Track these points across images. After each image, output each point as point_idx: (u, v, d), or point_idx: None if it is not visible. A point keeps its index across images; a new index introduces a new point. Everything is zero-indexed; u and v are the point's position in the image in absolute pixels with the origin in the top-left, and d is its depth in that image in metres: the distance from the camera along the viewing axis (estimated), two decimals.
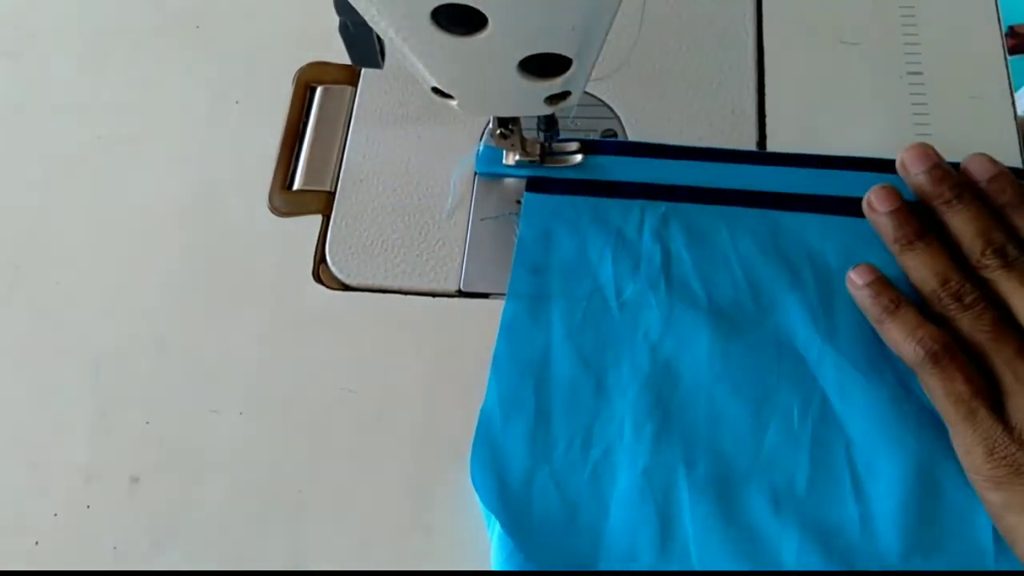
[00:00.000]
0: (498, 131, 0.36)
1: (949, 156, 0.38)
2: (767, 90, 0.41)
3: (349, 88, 0.44)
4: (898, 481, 0.32)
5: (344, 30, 0.31)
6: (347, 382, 0.37)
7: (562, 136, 0.38)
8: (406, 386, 0.37)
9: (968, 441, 0.31)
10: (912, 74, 0.40)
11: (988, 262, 0.33)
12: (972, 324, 0.32)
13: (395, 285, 0.39)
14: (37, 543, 0.36)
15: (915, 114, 0.39)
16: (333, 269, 0.39)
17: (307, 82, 0.44)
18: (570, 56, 0.27)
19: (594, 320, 0.36)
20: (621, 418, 0.34)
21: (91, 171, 0.43)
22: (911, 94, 0.40)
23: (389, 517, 0.35)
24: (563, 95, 0.31)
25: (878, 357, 0.34)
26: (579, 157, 0.40)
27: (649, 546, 0.32)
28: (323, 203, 0.41)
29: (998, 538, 0.31)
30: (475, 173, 0.41)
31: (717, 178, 0.38)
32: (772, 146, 0.40)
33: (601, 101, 0.42)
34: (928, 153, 0.35)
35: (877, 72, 0.41)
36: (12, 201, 0.43)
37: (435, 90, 0.31)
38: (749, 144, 0.40)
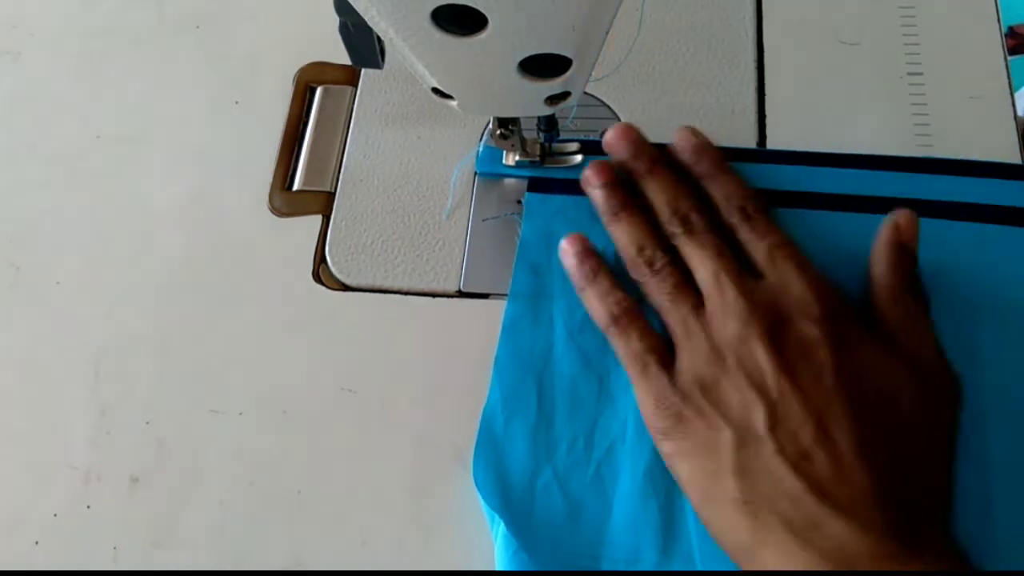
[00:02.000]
0: (498, 131, 0.36)
1: (949, 156, 0.38)
2: (767, 90, 0.41)
3: (349, 88, 0.44)
4: None
5: (344, 30, 0.31)
6: (347, 382, 0.37)
7: (562, 136, 0.38)
8: (406, 386, 0.37)
9: (642, 394, 0.33)
10: (912, 74, 0.40)
11: (673, 229, 0.35)
12: (657, 287, 0.34)
13: (395, 285, 0.39)
14: (37, 543, 0.36)
15: (915, 114, 0.39)
16: (333, 269, 0.39)
17: (307, 82, 0.45)
18: (570, 56, 0.27)
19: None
20: (623, 418, 0.34)
21: (91, 171, 0.43)
22: (911, 94, 0.40)
23: (389, 517, 0.35)
24: (563, 95, 0.31)
25: None
26: (579, 157, 0.40)
27: (652, 546, 0.32)
28: (323, 203, 0.41)
29: (989, 529, 0.31)
30: (475, 173, 0.41)
31: None
32: (772, 146, 0.40)
33: (601, 101, 0.42)
34: (627, 131, 0.37)
35: (877, 72, 0.41)
36: (12, 201, 0.43)
37: (435, 90, 0.31)
38: (749, 144, 0.40)
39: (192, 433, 0.37)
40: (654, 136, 0.40)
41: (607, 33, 0.27)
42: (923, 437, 0.30)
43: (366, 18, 0.26)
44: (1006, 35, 0.41)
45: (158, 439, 0.37)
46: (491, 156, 0.40)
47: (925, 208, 0.37)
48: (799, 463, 0.28)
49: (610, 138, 0.37)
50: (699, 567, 0.32)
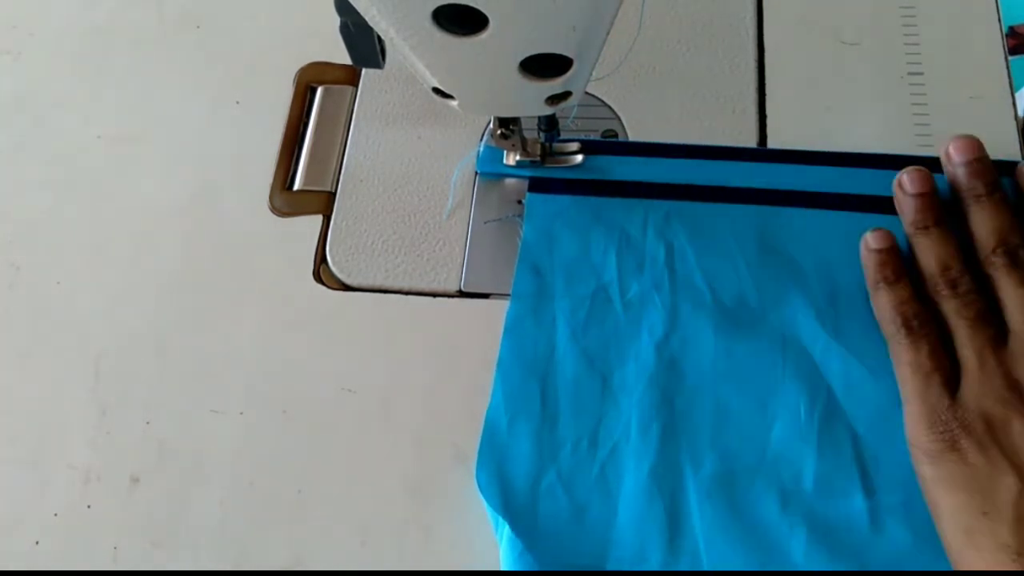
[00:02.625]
0: (499, 131, 0.36)
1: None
2: (767, 90, 0.41)
3: (350, 88, 0.44)
4: (907, 475, 0.32)
5: (345, 30, 0.31)
6: (347, 382, 0.37)
7: (562, 136, 0.38)
8: (406, 386, 0.37)
9: (916, 411, 0.32)
10: (912, 74, 0.40)
11: (995, 259, 0.33)
12: (957, 310, 0.33)
13: (395, 285, 0.39)
14: (37, 543, 0.36)
15: (915, 114, 0.39)
16: (333, 269, 0.39)
17: (308, 82, 0.44)
18: (570, 56, 0.27)
19: (598, 319, 0.36)
20: (627, 417, 0.34)
21: (91, 171, 0.43)
22: (911, 94, 0.40)
23: (389, 517, 0.35)
24: (564, 95, 0.31)
25: (883, 352, 0.34)
26: (580, 157, 0.40)
27: (658, 545, 0.32)
28: (323, 203, 0.41)
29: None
30: (475, 173, 0.41)
31: (718, 176, 0.39)
32: (772, 146, 0.40)
33: (601, 101, 0.42)
34: (973, 145, 0.35)
35: (877, 72, 0.41)
36: (12, 201, 0.43)
37: (436, 90, 0.31)
38: (749, 144, 0.40)
39: (192, 433, 0.37)
40: (655, 136, 0.40)
41: (608, 33, 0.27)
42: None
43: (367, 18, 0.26)
44: (1006, 35, 0.41)
45: (158, 439, 0.37)
46: (491, 156, 0.40)
47: None
48: None
49: (953, 149, 0.36)
50: (706, 566, 0.32)
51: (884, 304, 0.34)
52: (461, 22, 0.25)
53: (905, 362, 0.33)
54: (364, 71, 0.44)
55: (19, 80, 0.46)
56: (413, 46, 0.27)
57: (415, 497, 0.35)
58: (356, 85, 0.44)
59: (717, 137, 0.40)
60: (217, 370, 0.38)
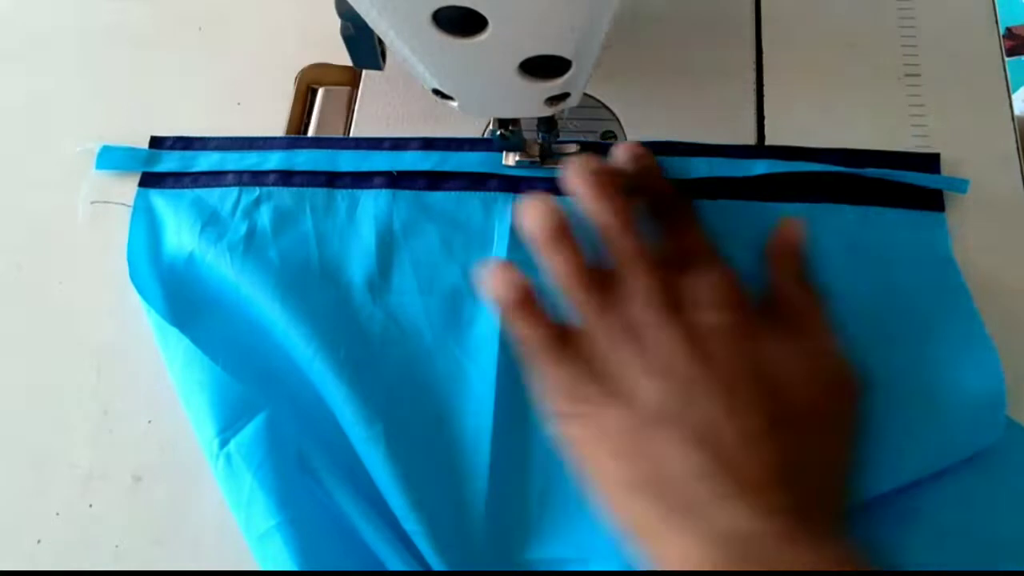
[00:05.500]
0: (498, 132, 0.37)
1: (948, 156, 0.38)
2: (766, 90, 0.41)
3: (350, 90, 0.44)
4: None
5: (345, 32, 0.31)
6: None
7: (561, 137, 0.38)
8: None
9: (552, 381, 0.32)
10: (910, 75, 0.41)
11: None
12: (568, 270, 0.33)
13: None
14: (39, 542, 0.36)
15: (913, 115, 0.40)
16: None
17: (308, 84, 0.45)
18: (569, 58, 0.27)
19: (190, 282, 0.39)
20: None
21: (91, 171, 0.43)
22: (909, 95, 0.40)
23: None
24: (563, 96, 0.31)
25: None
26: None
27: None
28: None
29: None
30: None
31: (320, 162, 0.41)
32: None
33: (601, 102, 0.42)
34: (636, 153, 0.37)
35: (875, 73, 0.41)
36: (13, 201, 0.43)
37: (436, 91, 0.31)
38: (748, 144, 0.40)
39: (193, 432, 0.37)
40: (654, 135, 0.40)
41: (606, 34, 0.27)
42: (819, 427, 0.30)
43: (367, 19, 0.26)
44: (1004, 36, 0.41)
45: (160, 438, 0.37)
46: (112, 155, 0.42)
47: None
48: (706, 439, 0.28)
49: (622, 150, 0.37)
50: None
51: (495, 285, 0.34)
52: (461, 23, 0.25)
53: (527, 341, 0.33)
54: (364, 73, 0.44)
55: (19, 80, 0.46)
56: (413, 47, 0.27)
57: None
58: (356, 87, 0.44)
59: (716, 136, 0.40)
60: None
